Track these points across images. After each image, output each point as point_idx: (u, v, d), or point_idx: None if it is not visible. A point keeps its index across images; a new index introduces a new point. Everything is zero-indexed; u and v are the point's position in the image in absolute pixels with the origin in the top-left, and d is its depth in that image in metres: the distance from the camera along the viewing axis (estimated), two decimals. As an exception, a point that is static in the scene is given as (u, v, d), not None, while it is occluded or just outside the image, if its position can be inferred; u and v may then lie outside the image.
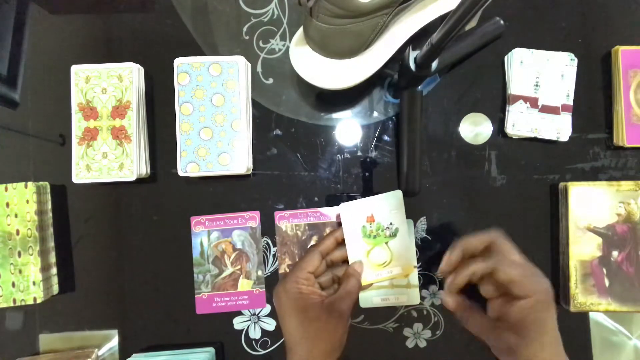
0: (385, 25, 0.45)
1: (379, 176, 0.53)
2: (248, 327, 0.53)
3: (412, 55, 0.46)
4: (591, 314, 0.52)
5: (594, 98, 0.54)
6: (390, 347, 0.52)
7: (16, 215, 0.48)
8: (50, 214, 0.52)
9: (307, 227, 0.53)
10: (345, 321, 0.43)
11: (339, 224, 0.48)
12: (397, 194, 0.46)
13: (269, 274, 0.53)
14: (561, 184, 0.52)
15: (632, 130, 0.51)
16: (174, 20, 0.54)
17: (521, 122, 0.52)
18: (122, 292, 0.53)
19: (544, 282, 0.39)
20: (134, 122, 0.50)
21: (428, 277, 0.53)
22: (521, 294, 0.38)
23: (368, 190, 0.53)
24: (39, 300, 0.48)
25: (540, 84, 0.52)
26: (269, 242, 0.53)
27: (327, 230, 0.52)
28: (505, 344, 0.38)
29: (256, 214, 0.53)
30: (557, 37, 0.54)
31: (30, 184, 0.49)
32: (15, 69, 0.53)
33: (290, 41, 0.53)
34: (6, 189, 0.49)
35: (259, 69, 0.54)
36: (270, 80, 0.54)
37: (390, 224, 0.47)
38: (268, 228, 0.53)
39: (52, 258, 0.51)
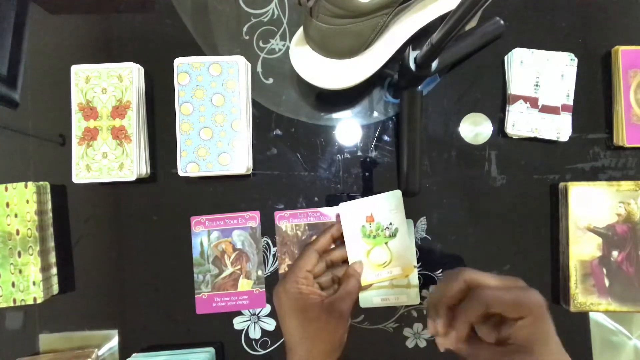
0: (385, 25, 0.45)
1: (379, 176, 0.53)
2: (248, 327, 0.53)
3: (412, 55, 0.46)
4: (591, 314, 0.52)
5: (594, 98, 0.54)
6: (390, 347, 0.52)
7: (16, 215, 0.48)
8: (50, 214, 0.52)
9: (307, 227, 0.53)
10: (345, 321, 0.43)
11: (337, 222, 0.48)
12: (397, 194, 0.46)
13: (269, 274, 0.53)
14: (561, 184, 0.52)
15: (632, 130, 0.51)
16: (174, 20, 0.54)
17: (521, 122, 0.52)
18: (122, 292, 0.53)
19: (534, 295, 0.37)
20: (134, 122, 0.50)
21: (428, 277, 0.53)
22: (517, 315, 0.37)
23: (368, 190, 0.53)
24: (39, 300, 0.48)
25: (540, 84, 0.52)
26: (269, 242, 0.53)
27: (327, 230, 0.52)
28: None
29: (256, 214, 0.53)
30: (557, 37, 0.54)
31: (30, 184, 0.49)
32: (15, 69, 0.53)
33: (290, 41, 0.53)
34: (6, 189, 0.49)
35: (259, 69, 0.54)
36: (270, 80, 0.54)
37: (390, 224, 0.47)
38: (268, 228, 0.53)
39: (52, 258, 0.51)
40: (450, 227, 0.53)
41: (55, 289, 0.51)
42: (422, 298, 0.52)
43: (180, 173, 0.49)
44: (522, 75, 0.52)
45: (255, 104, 0.54)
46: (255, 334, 0.53)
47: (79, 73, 0.50)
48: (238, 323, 0.53)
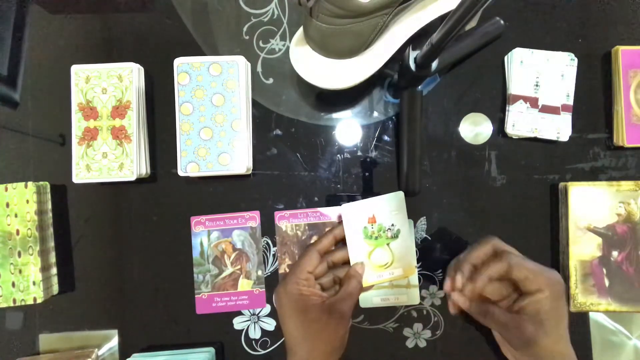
0: (385, 25, 0.45)
1: (379, 176, 0.53)
2: (248, 327, 0.53)
3: (412, 55, 0.46)
4: (591, 314, 0.52)
5: (594, 98, 0.54)
6: (390, 347, 0.52)
7: (16, 215, 0.48)
8: (50, 214, 0.52)
9: (307, 227, 0.53)
10: (346, 322, 0.43)
11: (340, 224, 0.48)
12: (399, 195, 0.46)
13: (269, 274, 0.53)
14: (561, 184, 0.52)
15: (632, 130, 0.51)
16: (174, 20, 0.54)
17: (521, 122, 0.52)
18: (122, 292, 0.53)
19: (554, 273, 0.41)
20: (134, 122, 0.50)
21: (428, 277, 0.53)
22: (535, 288, 0.39)
23: (368, 190, 0.53)
24: (39, 300, 0.48)
25: (540, 84, 0.52)
26: (269, 242, 0.53)
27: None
28: (525, 335, 0.38)
29: (256, 214, 0.53)
30: (557, 37, 0.54)
31: (30, 184, 0.49)
32: (15, 69, 0.53)
33: (290, 41, 0.53)
34: (6, 189, 0.49)
35: (259, 69, 0.54)
36: (270, 80, 0.54)
37: (392, 225, 0.47)
38: (268, 228, 0.53)
39: (52, 258, 0.51)
40: (450, 227, 0.53)
41: (55, 289, 0.51)
42: (422, 298, 0.52)
43: (180, 173, 0.49)
44: (522, 75, 0.52)
45: (255, 104, 0.54)
46: (255, 334, 0.53)
47: (79, 73, 0.50)
48: (238, 323, 0.53)
